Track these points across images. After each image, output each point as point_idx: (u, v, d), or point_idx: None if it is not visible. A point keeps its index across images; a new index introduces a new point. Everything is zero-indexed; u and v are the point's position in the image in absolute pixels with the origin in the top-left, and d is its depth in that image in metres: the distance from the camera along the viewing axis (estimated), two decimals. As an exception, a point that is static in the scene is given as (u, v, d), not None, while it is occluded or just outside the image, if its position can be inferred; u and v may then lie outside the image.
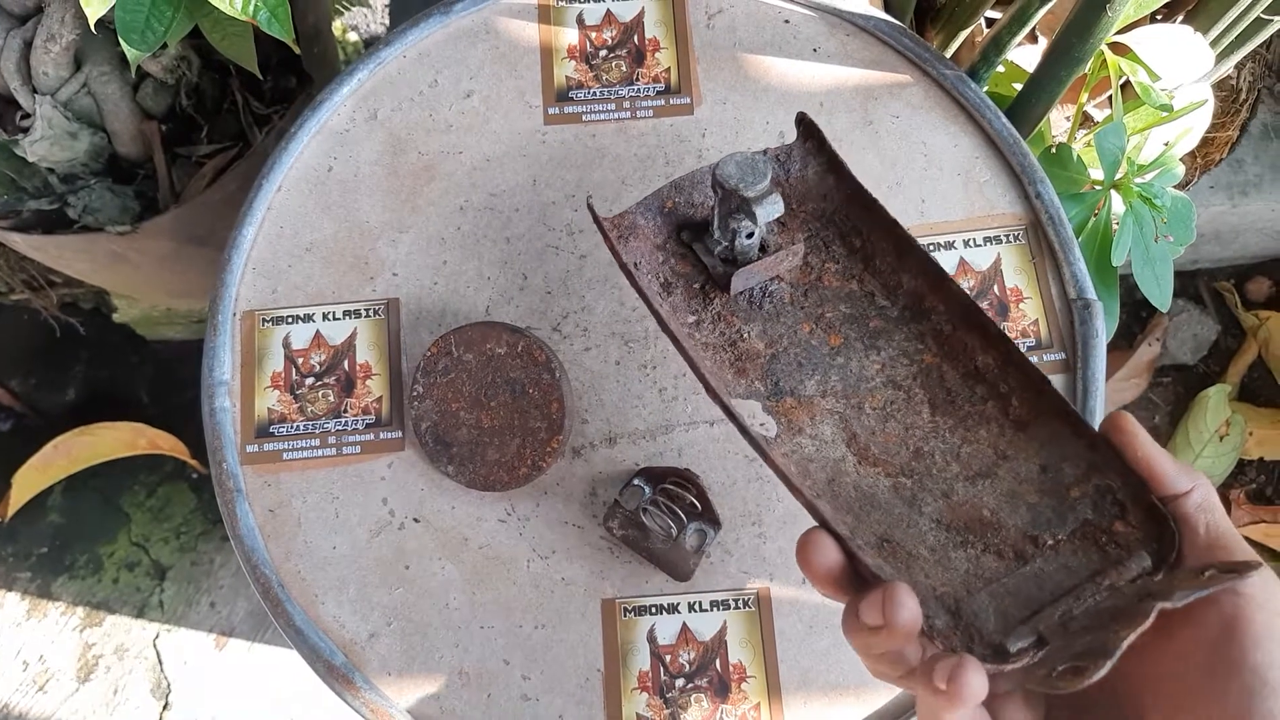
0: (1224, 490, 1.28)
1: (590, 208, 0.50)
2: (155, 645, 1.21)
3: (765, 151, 0.53)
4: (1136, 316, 1.36)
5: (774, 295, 0.52)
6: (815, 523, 0.42)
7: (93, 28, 0.73)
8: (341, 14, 1.48)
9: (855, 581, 0.40)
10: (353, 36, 1.47)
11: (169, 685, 1.19)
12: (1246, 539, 1.21)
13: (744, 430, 0.44)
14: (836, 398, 0.49)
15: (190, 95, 0.94)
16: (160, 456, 1.27)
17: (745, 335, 0.51)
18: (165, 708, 1.18)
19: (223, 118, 0.96)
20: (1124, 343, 1.34)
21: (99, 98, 0.91)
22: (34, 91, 0.89)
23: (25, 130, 0.90)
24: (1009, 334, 0.59)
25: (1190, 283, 1.37)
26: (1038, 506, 0.44)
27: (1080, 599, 0.41)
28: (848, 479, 0.46)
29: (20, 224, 0.91)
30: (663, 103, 0.64)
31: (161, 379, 1.32)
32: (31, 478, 1.23)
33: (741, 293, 0.52)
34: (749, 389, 0.49)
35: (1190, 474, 0.40)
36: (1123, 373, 1.30)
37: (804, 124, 0.52)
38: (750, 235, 0.50)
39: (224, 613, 1.22)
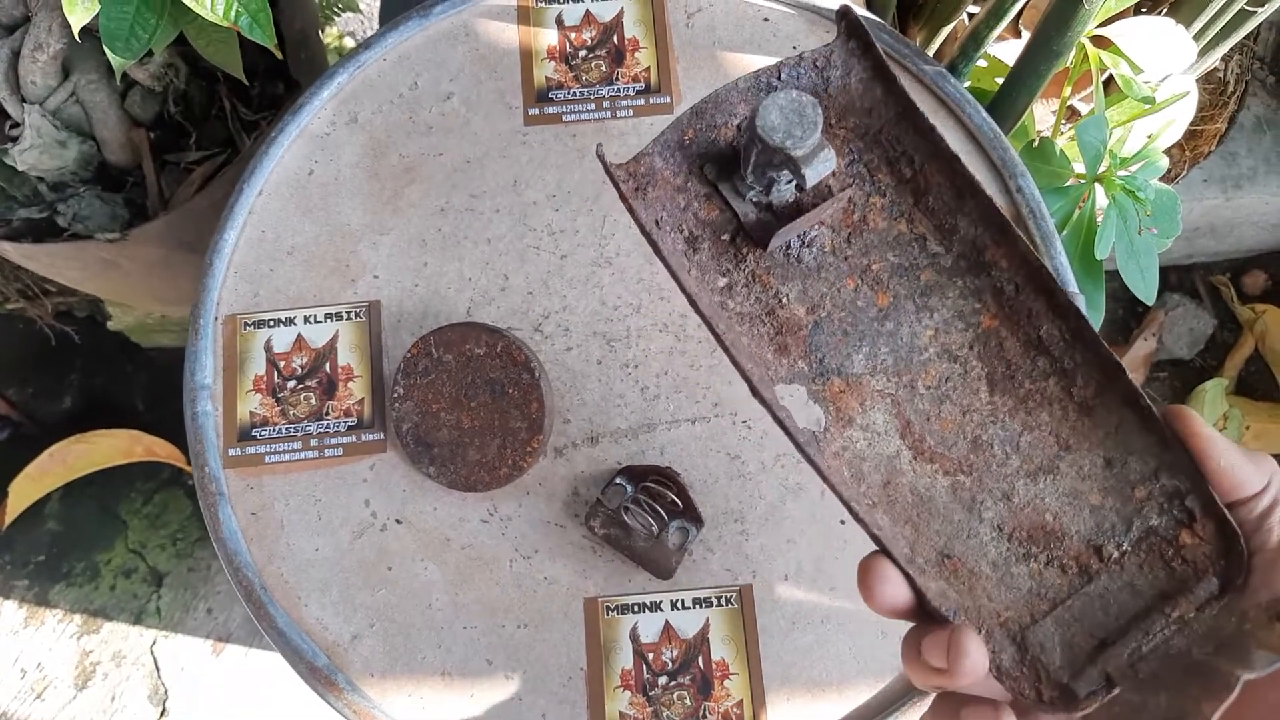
0: None
1: (600, 156, 0.41)
2: (152, 651, 1.21)
3: (801, 57, 0.43)
4: (1132, 311, 1.35)
5: (814, 243, 0.45)
6: (873, 543, 0.39)
7: (77, 36, 0.73)
8: (333, 20, 1.49)
9: (918, 609, 0.37)
10: (350, 43, 1.48)
11: (166, 691, 1.19)
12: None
13: (791, 436, 0.40)
14: (887, 375, 0.44)
15: (178, 102, 0.94)
16: (156, 463, 1.27)
17: (784, 300, 0.44)
18: (163, 714, 1.18)
19: (211, 124, 0.96)
20: (1120, 338, 1.34)
21: (87, 106, 0.91)
22: (22, 100, 0.89)
23: (14, 139, 0.90)
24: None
25: (1186, 277, 1.36)
26: (1101, 509, 0.41)
27: (1149, 634, 0.39)
28: (903, 479, 0.42)
29: (10, 233, 0.92)
30: (643, 102, 0.64)
31: (156, 386, 1.32)
32: (28, 486, 1.23)
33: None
34: (791, 370, 0.44)
35: (1260, 465, 0.36)
36: (1118, 368, 1.29)
37: (846, 19, 0.43)
38: (790, 182, 0.43)
39: (221, 618, 1.22)
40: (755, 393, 0.41)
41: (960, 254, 0.44)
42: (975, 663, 0.34)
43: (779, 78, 0.44)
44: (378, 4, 1.44)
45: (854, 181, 0.45)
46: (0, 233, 0.91)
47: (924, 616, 0.38)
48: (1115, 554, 0.40)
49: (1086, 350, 0.41)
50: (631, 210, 0.43)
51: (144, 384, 1.33)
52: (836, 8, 0.46)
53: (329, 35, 1.49)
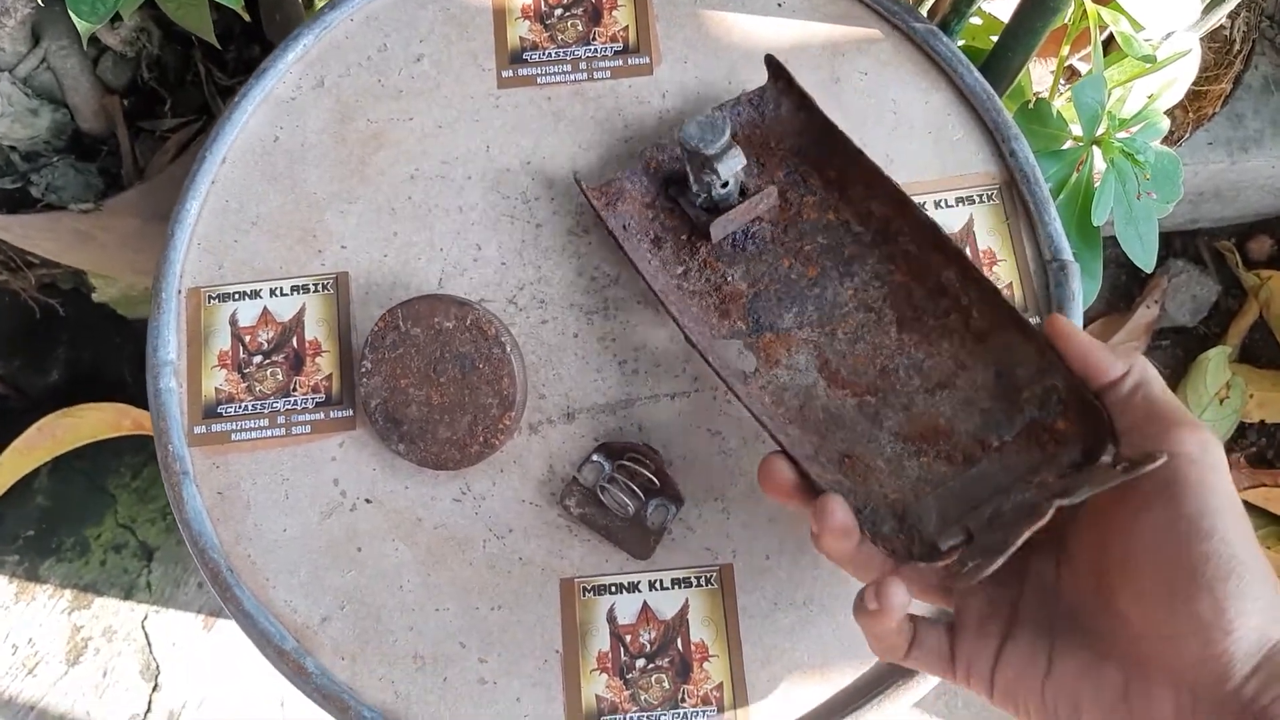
0: (1225, 453, 1.26)
1: (578, 182, 0.54)
2: (144, 627, 1.21)
3: (739, 98, 0.57)
4: (1135, 278, 1.33)
5: (756, 236, 0.56)
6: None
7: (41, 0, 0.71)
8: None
9: (813, 496, 0.45)
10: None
11: (158, 666, 1.19)
12: (1246, 503, 1.19)
13: (716, 370, 0.50)
14: (812, 327, 0.54)
15: (152, 68, 0.92)
16: (145, 437, 1.26)
17: (729, 279, 0.56)
18: (154, 689, 1.18)
19: (186, 90, 0.93)
20: (1122, 305, 1.31)
21: (59, 73, 0.89)
22: (-9, 67, 0.87)
23: (-16, 107, 0.88)
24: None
25: (1190, 242, 1.34)
26: (990, 411, 0.49)
27: (1011, 496, 0.44)
28: (817, 402, 0.52)
29: (-18, 204, 0.90)
30: (620, 63, 0.62)
31: (144, 358, 1.31)
32: (16, 460, 1.22)
33: (725, 238, 0.56)
34: (731, 329, 0.55)
35: (1126, 357, 0.43)
36: (1121, 335, 1.27)
37: (772, 65, 0.56)
38: (725, 185, 0.54)
39: (212, 593, 1.21)
40: (690, 342, 0.52)
41: (876, 230, 0.54)
42: (839, 520, 0.43)
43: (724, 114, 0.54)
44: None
45: (790, 188, 0.57)
46: (-29, 204, 0.89)
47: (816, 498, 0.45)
48: (996, 443, 0.48)
49: (977, 288, 0.50)
50: (601, 219, 0.55)
51: (131, 356, 1.32)
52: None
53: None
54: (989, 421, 0.49)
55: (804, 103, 0.56)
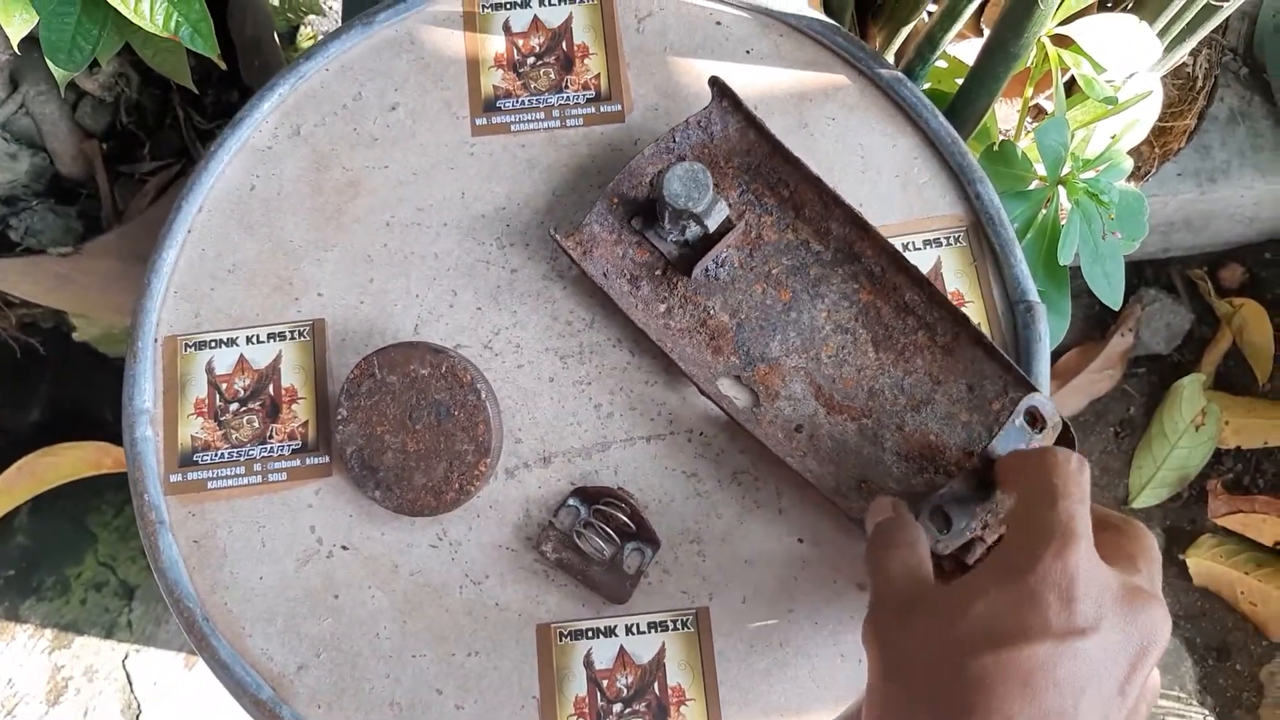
0: (1201, 480, 1.27)
1: (554, 237, 0.55)
2: (125, 666, 1.20)
3: (687, 121, 0.58)
4: (1109, 308, 1.34)
5: (726, 263, 0.58)
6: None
7: (15, 47, 0.71)
8: (305, 23, 1.46)
9: None
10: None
11: (139, 706, 1.18)
12: (1224, 529, 1.20)
13: (736, 419, 0.53)
14: (798, 354, 0.56)
15: (131, 112, 0.93)
16: (126, 475, 1.25)
17: (712, 311, 0.57)
18: (134, 730, 1.17)
19: (165, 134, 0.94)
20: (1096, 334, 1.33)
21: (37, 118, 0.89)
22: (-30, 113, 0.87)
23: (-37, 152, 0.88)
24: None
25: (1162, 271, 1.35)
26: (970, 424, 0.54)
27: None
28: (822, 430, 0.55)
29: (-39, 248, 0.90)
30: (593, 110, 0.63)
31: (125, 397, 1.30)
32: (-5, 500, 1.22)
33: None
34: (727, 365, 0.56)
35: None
36: (1096, 364, 1.29)
37: (717, 85, 0.57)
38: (698, 226, 0.55)
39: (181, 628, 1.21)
40: (703, 391, 0.54)
41: (836, 249, 0.57)
42: (881, 504, 0.47)
43: (674, 140, 0.58)
44: (340, 6, 1.41)
45: (746, 208, 0.58)
46: (-50, 248, 0.89)
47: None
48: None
49: (941, 308, 0.55)
50: (584, 271, 0.56)
51: (112, 394, 1.31)
52: (709, 78, 0.58)
53: (302, 37, 1.47)
54: (972, 435, 0.54)
55: (751, 122, 0.57)
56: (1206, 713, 1.21)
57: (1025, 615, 0.35)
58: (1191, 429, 1.26)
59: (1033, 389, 0.53)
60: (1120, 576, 0.37)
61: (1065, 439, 0.49)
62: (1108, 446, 1.30)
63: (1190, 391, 1.26)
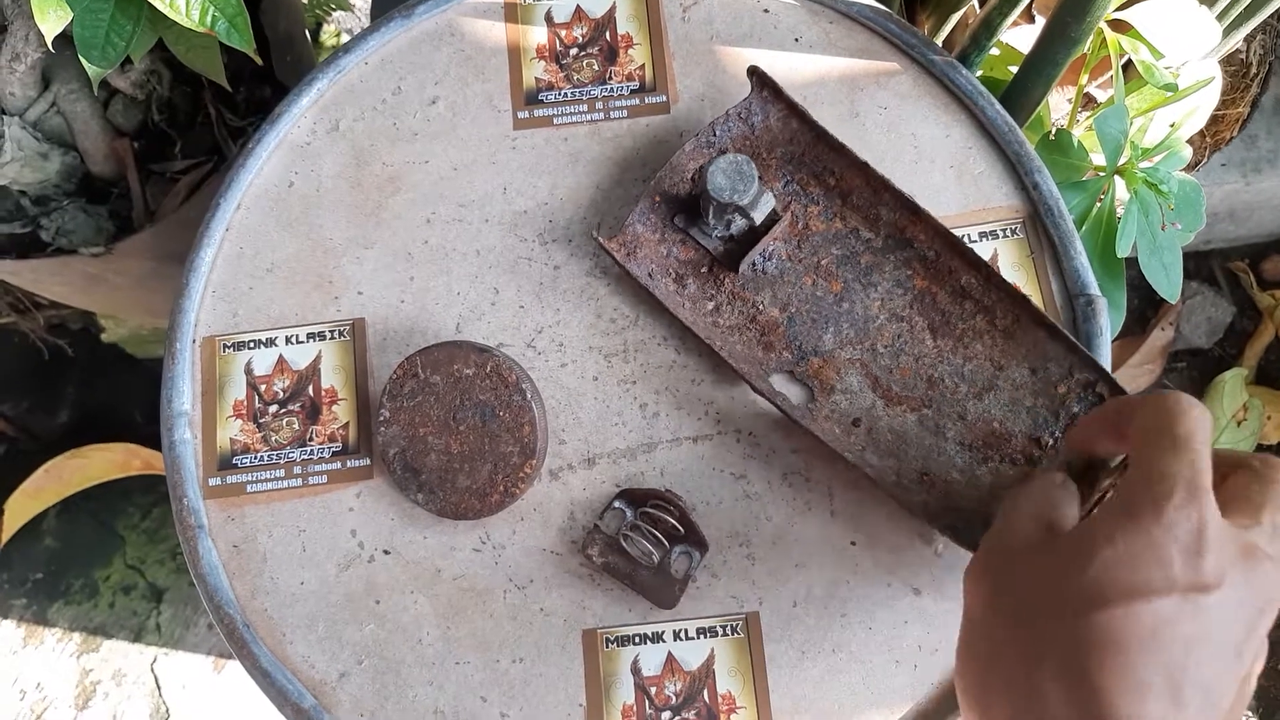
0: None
1: (598, 240, 0.54)
2: (153, 669, 1.19)
3: (727, 114, 0.56)
4: (1150, 300, 1.31)
5: (774, 256, 0.56)
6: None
7: (50, 45, 0.70)
8: (329, 18, 1.46)
9: None
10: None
11: (168, 710, 1.17)
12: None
13: (790, 416, 0.52)
14: (853, 346, 0.55)
15: (162, 110, 0.92)
16: (154, 477, 1.25)
17: (761, 307, 0.56)
18: (165, 733, 1.16)
19: (197, 132, 0.93)
20: (1137, 328, 1.30)
21: (69, 116, 0.89)
22: (2, 113, 0.87)
23: (-6, 152, 0.87)
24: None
25: (1204, 264, 1.33)
26: (1035, 409, 0.52)
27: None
28: (881, 423, 0.53)
29: (-8, 248, 0.89)
30: (637, 102, 0.61)
31: (153, 398, 1.29)
32: (24, 503, 1.21)
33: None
34: (780, 361, 0.55)
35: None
36: (1136, 359, 1.26)
37: (756, 74, 0.56)
38: (744, 220, 0.54)
39: (221, 635, 1.20)
40: (756, 390, 0.53)
41: (887, 235, 0.55)
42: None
43: (715, 133, 0.57)
44: (369, 2, 1.40)
45: (792, 199, 0.57)
46: (-19, 249, 0.89)
47: None
48: (1050, 441, 0.52)
49: (999, 289, 0.53)
50: (629, 272, 0.55)
51: (141, 396, 1.31)
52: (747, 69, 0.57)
53: (326, 34, 1.46)
54: (1037, 420, 0.52)
55: (793, 111, 0.56)
56: (1248, 714, 1.18)
57: (1151, 567, 0.33)
58: (1233, 424, 1.23)
59: (1100, 370, 0.51)
60: (1240, 533, 0.35)
61: None
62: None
63: (1232, 386, 1.23)
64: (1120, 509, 0.36)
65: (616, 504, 0.54)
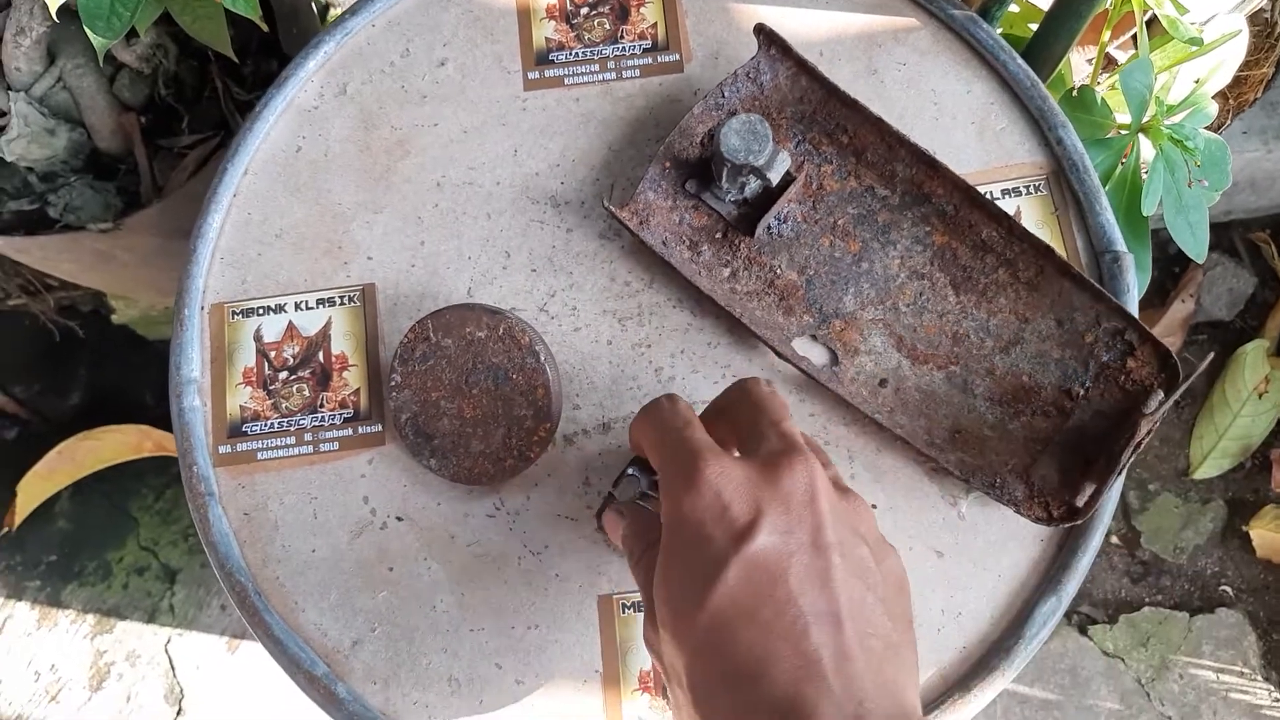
0: (1264, 450, 1.22)
1: (609, 210, 0.53)
2: (167, 650, 1.19)
3: (735, 74, 0.55)
4: (1169, 272, 1.30)
5: (789, 218, 0.55)
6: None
7: (54, 15, 0.69)
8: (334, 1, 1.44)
9: None
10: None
11: (182, 690, 1.17)
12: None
13: (817, 379, 0.52)
14: (874, 305, 0.54)
15: (169, 84, 0.91)
16: (166, 458, 1.25)
17: (779, 271, 0.54)
18: (179, 713, 1.16)
19: (204, 106, 0.92)
20: (1156, 300, 1.28)
21: (75, 91, 0.88)
22: (8, 89, 0.86)
23: (1, 129, 0.87)
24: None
25: (1224, 234, 1.31)
26: (1063, 360, 0.52)
27: (1118, 440, 0.48)
28: (909, 383, 0.53)
29: (1, 226, 0.88)
30: (650, 61, 0.60)
31: (164, 379, 1.29)
32: (36, 485, 1.21)
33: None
34: (801, 325, 0.54)
35: None
36: (1157, 331, 1.24)
37: (764, 33, 0.54)
38: (758, 182, 0.53)
39: (235, 615, 1.20)
40: (779, 354, 0.52)
41: (904, 192, 0.54)
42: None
43: (723, 94, 0.55)
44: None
45: (804, 159, 0.55)
46: (-11, 226, 0.88)
47: None
48: (1081, 392, 0.51)
49: (1022, 241, 0.52)
50: (642, 242, 0.54)
51: (151, 377, 1.31)
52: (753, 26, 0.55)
53: (332, 17, 1.45)
54: (1066, 372, 0.52)
55: (802, 67, 0.54)
56: (1272, 688, 1.17)
57: (700, 553, 0.34)
58: (1254, 397, 1.22)
59: (1129, 316, 0.50)
60: (746, 462, 0.35)
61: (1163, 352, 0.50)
62: (1168, 415, 1.25)
63: (1253, 358, 1.22)
64: (663, 536, 0.36)
65: (630, 471, 0.53)
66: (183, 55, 0.91)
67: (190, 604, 1.21)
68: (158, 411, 1.28)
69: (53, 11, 0.69)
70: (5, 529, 1.22)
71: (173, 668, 1.18)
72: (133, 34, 0.85)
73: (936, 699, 0.50)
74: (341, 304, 0.57)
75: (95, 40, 0.72)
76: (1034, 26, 0.65)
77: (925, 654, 0.51)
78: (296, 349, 0.56)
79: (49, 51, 0.86)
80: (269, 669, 1.16)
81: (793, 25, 0.60)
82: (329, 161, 0.59)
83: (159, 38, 0.89)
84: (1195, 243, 0.64)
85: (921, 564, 0.52)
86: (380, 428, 0.55)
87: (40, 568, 1.23)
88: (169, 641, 1.19)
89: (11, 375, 1.31)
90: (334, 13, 1.45)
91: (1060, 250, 0.56)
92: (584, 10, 0.61)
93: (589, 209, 0.58)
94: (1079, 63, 0.80)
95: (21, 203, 0.90)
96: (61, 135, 0.88)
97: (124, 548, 1.23)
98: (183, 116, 0.91)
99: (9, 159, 0.87)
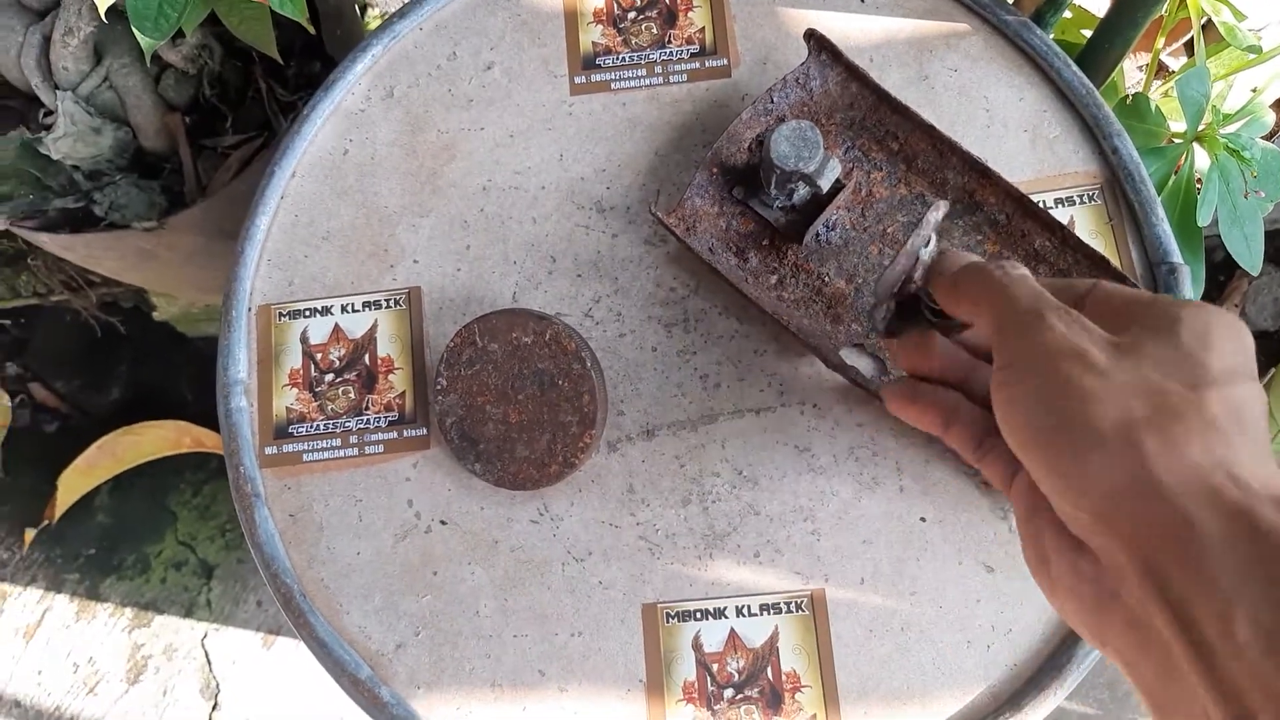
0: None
1: (656, 215, 0.52)
2: (203, 645, 1.20)
3: (784, 79, 0.54)
4: (1213, 281, 1.28)
5: (837, 226, 0.54)
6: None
7: (103, 16, 0.70)
8: (372, 3, 1.45)
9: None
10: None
11: (218, 685, 1.18)
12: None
13: (867, 389, 0.51)
14: None
15: (213, 85, 0.91)
16: (205, 454, 1.26)
17: (826, 279, 0.54)
18: (214, 708, 1.17)
19: (247, 106, 0.93)
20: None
21: (121, 91, 0.89)
22: (55, 88, 0.87)
23: (48, 128, 0.88)
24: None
25: (1270, 244, 1.28)
26: None
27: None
28: None
29: (47, 223, 0.90)
30: (697, 65, 0.60)
31: (204, 376, 1.31)
32: (77, 479, 1.23)
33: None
34: (849, 333, 0.53)
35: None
36: (1200, 343, 1.22)
37: (814, 38, 0.54)
38: (807, 189, 0.52)
39: (271, 611, 1.21)
40: (827, 363, 0.51)
41: (955, 200, 0.53)
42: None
43: (772, 100, 0.55)
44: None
45: (854, 165, 0.55)
46: (37, 223, 0.89)
47: None
48: None
49: (1076, 251, 0.51)
50: (689, 248, 0.53)
51: (191, 374, 1.32)
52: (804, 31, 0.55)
53: (370, 18, 1.45)
54: None
55: (853, 73, 0.54)
56: None
57: (1247, 358, 0.32)
58: (1301, 411, 1.19)
59: None
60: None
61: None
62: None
63: (1300, 371, 1.19)
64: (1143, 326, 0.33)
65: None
66: (227, 56, 0.92)
67: (227, 599, 1.22)
68: (197, 408, 1.29)
69: (101, 12, 0.70)
70: (45, 522, 1.23)
71: (209, 662, 1.19)
72: (179, 34, 0.86)
73: (987, 717, 0.50)
74: (387, 307, 0.57)
75: (142, 40, 0.73)
76: (1087, 33, 0.64)
77: (974, 670, 0.51)
78: (342, 351, 0.56)
79: (96, 51, 0.87)
80: (304, 665, 1.17)
81: (842, 30, 0.59)
82: (375, 165, 0.59)
83: (204, 38, 0.89)
84: (1250, 255, 0.62)
85: (971, 579, 0.52)
86: (425, 431, 0.55)
87: (79, 561, 1.24)
88: (205, 636, 1.20)
89: (53, 370, 1.32)
90: (372, 12, 1.46)
91: (1115, 261, 0.55)
92: (631, 14, 0.61)
93: (634, 214, 0.57)
94: (1130, 69, 0.79)
95: (67, 200, 0.91)
96: (107, 134, 0.89)
97: (162, 542, 1.25)
98: (227, 117, 0.92)
99: (55, 157, 0.88)
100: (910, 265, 0.42)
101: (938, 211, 0.42)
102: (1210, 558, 0.28)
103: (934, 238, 0.42)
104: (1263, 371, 1.23)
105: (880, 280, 0.42)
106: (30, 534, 1.25)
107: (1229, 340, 0.32)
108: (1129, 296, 0.35)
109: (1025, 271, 0.37)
